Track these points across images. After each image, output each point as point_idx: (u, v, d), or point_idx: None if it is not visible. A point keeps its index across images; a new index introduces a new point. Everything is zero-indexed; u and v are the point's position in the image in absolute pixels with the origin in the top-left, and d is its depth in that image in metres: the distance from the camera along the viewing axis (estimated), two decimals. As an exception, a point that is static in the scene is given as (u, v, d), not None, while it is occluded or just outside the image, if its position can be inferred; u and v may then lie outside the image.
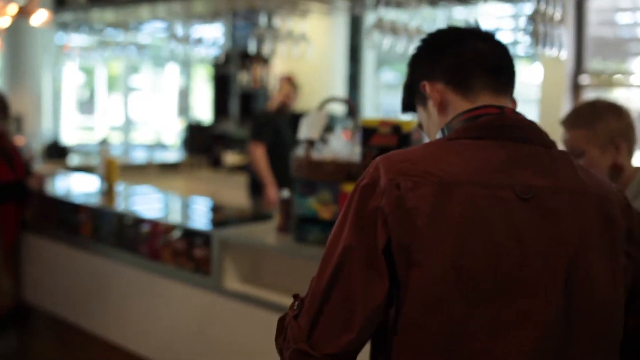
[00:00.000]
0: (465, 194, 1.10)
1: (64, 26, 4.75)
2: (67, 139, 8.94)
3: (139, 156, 8.30)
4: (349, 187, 2.50)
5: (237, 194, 5.62)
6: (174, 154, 8.30)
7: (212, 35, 3.86)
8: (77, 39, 4.96)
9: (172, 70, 9.44)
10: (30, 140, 8.15)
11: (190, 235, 3.01)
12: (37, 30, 9.92)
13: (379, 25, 2.72)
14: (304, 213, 2.63)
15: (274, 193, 4.52)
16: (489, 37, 1.30)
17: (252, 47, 3.81)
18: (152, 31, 5.50)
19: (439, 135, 1.26)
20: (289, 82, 5.13)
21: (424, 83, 1.28)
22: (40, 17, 7.71)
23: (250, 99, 7.30)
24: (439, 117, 1.27)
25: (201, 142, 7.36)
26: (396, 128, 2.37)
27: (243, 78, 7.04)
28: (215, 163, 6.95)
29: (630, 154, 1.89)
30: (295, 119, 4.76)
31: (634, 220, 1.17)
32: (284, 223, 2.78)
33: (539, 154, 1.16)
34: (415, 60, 1.34)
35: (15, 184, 4.00)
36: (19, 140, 5.07)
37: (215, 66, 7.41)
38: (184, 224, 3.14)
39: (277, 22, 3.76)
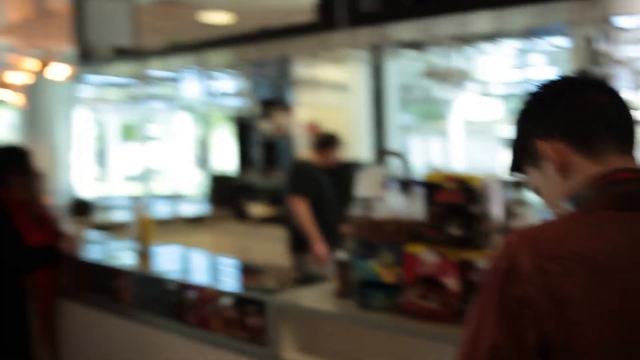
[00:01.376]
0: (624, 279, 0.95)
1: (82, 79, 4.68)
2: (87, 193, 8.86)
3: (160, 209, 8.20)
4: (413, 248, 2.36)
5: (270, 249, 5.47)
6: (195, 206, 8.18)
7: (231, 85, 3.75)
8: (92, 91, 4.89)
9: (188, 119, 9.43)
10: (52, 197, 8.10)
11: (241, 302, 2.87)
12: (54, 83, 9.97)
13: (432, 73, 2.61)
14: (366, 277, 2.49)
15: (323, 249, 4.37)
16: (605, 87, 1.16)
17: (277, 94, 3.77)
18: (169, 81, 5.47)
19: (567, 205, 1.12)
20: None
21: (539, 142, 1.14)
22: (61, 71, 7.74)
23: (273, 148, 7.21)
24: (561, 182, 1.12)
25: (225, 194, 7.24)
26: (463, 184, 2.25)
27: (265, 127, 6.96)
28: (241, 215, 6.81)
29: None
30: (337, 171, 4.63)
31: None
32: (343, 287, 2.64)
33: None
34: (526, 116, 1.19)
35: (47, 248, 3.86)
36: (46, 199, 4.96)
37: (236, 116, 7.34)
38: (234, 290, 3.00)
39: (300, 69, 3.66)
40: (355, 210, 2.51)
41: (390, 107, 6.55)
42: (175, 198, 7.53)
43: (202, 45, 3.60)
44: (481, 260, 2.21)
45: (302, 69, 3.19)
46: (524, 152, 1.19)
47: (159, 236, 6.24)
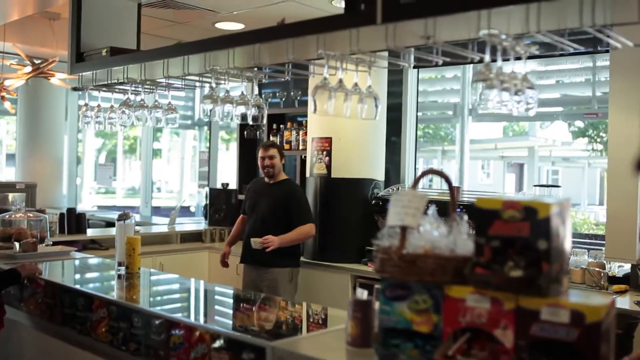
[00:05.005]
0: None
1: (82, 85, 4.19)
2: (86, 205, 8.40)
3: (161, 222, 7.76)
4: (457, 291, 1.84)
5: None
6: (196, 221, 7.73)
7: (240, 93, 3.24)
8: (92, 99, 4.40)
9: (192, 132, 9.03)
10: (49, 207, 7.62)
11: (235, 345, 2.34)
12: (56, 93, 9.55)
13: (486, 77, 2.08)
14: (393, 324, 1.96)
15: None
16: None
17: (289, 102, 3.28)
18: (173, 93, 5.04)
19: None
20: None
21: None
22: (61, 77, 7.30)
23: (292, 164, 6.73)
24: None
25: (224, 208, 6.76)
26: (530, 211, 1.72)
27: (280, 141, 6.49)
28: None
29: None
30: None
31: None
32: (362, 334, 2.11)
33: None
34: None
35: (9, 270, 3.42)
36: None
37: (242, 129, 6.89)
38: (227, 331, 2.47)
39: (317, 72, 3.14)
40: (384, 242, 1.98)
41: (408, 123, 6.09)
42: (175, 212, 7.02)
43: (210, 44, 3.08)
44: (547, 310, 1.69)
45: (320, 73, 2.64)
46: None
47: (155, 253, 5.85)
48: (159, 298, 3.39)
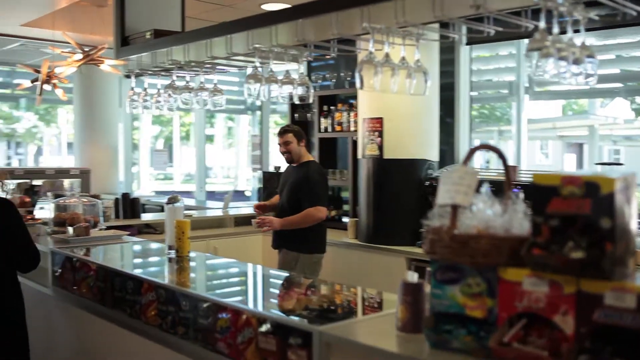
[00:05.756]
0: None
1: (132, 71, 4.18)
2: (145, 191, 8.52)
3: (215, 206, 7.79)
4: (512, 274, 1.73)
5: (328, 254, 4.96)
6: (250, 205, 7.73)
7: (289, 73, 3.15)
8: (142, 85, 4.40)
9: (246, 119, 9.04)
10: (105, 193, 7.73)
11: (281, 330, 2.28)
12: (109, 80, 9.68)
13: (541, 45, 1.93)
14: (444, 308, 1.86)
15: None
16: None
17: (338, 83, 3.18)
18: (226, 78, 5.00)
19: None
20: None
21: None
22: (111, 63, 7.37)
23: (332, 145, 6.65)
24: None
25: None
26: (592, 187, 1.59)
27: (323, 123, 6.42)
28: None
29: None
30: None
31: None
32: (412, 319, 2.02)
33: None
34: None
35: None
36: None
37: (293, 112, 6.83)
38: (273, 314, 2.42)
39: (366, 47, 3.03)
40: (434, 222, 1.88)
41: (462, 102, 5.93)
42: (228, 196, 7.04)
43: (252, 22, 3.00)
44: (611, 295, 1.56)
45: (369, 48, 2.53)
46: None
47: (209, 236, 5.86)
48: (207, 282, 3.36)
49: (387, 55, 2.51)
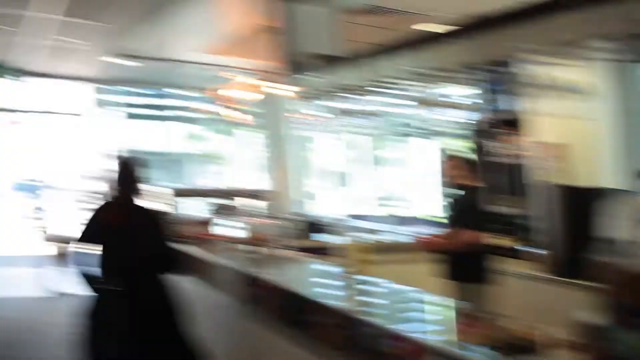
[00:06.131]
0: None
1: (301, 95, 4.36)
2: (323, 213, 8.73)
3: (402, 231, 7.74)
4: None
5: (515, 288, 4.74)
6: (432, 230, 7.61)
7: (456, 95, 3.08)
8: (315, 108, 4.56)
9: (420, 142, 9.02)
10: (290, 214, 8.03)
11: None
12: (279, 100, 10.07)
13: None
14: (630, 355, 1.72)
15: None
16: None
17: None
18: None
19: None
20: None
21: None
22: (283, 87, 7.70)
23: (511, 171, 6.36)
24: None
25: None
26: None
27: (498, 148, 6.15)
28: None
29: None
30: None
31: None
32: (592, 363, 1.88)
33: None
34: None
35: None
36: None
37: (471, 135, 6.66)
38: (445, 347, 2.37)
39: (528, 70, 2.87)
40: (607, 259, 1.74)
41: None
42: (412, 221, 7.01)
43: (418, 43, 3.00)
44: None
45: (531, 70, 2.42)
46: None
47: (389, 262, 5.79)
48: (383, 309, 3.36)
49: (553, 77, 2.38)
